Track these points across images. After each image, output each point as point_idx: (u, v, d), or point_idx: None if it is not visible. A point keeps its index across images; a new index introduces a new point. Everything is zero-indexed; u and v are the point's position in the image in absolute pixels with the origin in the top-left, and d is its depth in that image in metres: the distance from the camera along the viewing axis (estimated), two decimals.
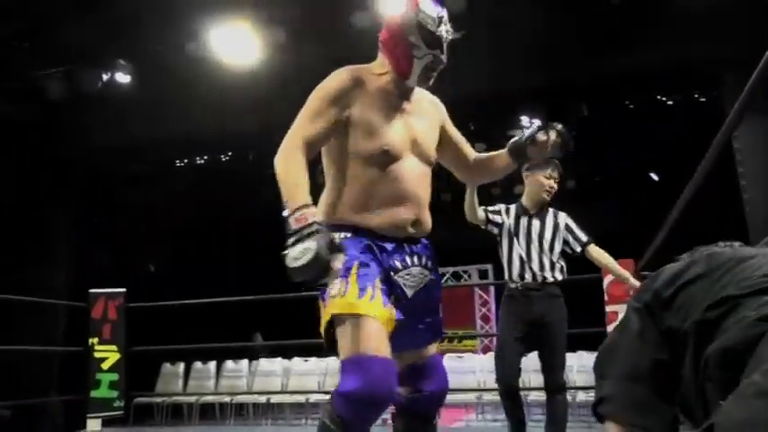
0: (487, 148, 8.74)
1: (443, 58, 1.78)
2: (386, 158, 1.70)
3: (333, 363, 6.69)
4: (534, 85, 6.42)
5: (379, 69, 1.81)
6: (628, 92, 7.57)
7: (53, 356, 6.68)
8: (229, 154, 8.88)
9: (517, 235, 3.32)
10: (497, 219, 3.38)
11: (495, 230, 3.40)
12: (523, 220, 3.33)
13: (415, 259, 1.77)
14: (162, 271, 8.88)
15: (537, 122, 1.82)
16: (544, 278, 3.22)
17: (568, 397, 5.25)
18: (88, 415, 5.22)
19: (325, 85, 1.75)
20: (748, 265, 0.97)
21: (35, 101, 6.46)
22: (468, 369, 6.19)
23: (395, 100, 1.79)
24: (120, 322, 5.44)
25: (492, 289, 9.36)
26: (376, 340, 1.56)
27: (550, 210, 3.37)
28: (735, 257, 1.01)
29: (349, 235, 1.69)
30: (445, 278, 9.79)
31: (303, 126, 1.70)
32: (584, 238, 3.29)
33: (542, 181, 3.32)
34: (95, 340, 5.33)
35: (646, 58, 5.83)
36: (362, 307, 1.57)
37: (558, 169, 3.37)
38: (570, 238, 3.30)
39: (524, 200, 3.41)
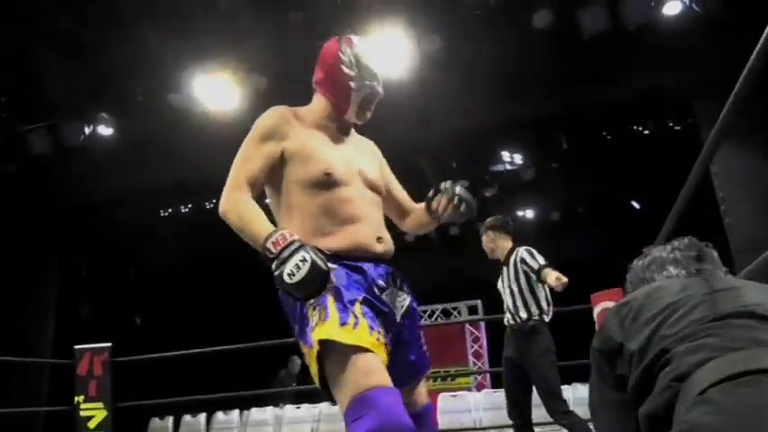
0: (470, 184, 8.82)
1: (380, 89, 1.78)
2: (330, 182, 1.64)
3: (325, 408, 6.57)
4: (512, 120, 6.53)
5: (315, 108, 1.81)
6: (604, 123, 7.72)
7: (37, 417, 6.50)
8: (213, 201, 8.87)
9: (498, 285, 3.67)
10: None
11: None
12: (502, 270, 3.61)
13: (397, 281, 1.70)
14: (149, 322, 8.74)
15: (446, 184, 1.78)
16: (519, 317, 3.40)
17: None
18: None
19: (257, 125, 1.72)
20: (681, 310, 1.00)
21: (18, 155, 6.44)
22: (464, 408, 6.11)
23: (333, 132, 1.77)
24: (106, 378, 5.30)
25: (483, 325, 9.30)
26: (375, 372, 1.42)
27: (515, 251, 3.53)
28: (674, 300, 1.04)
29: None
30: (435, 316, 9.73)
31: (239, 169, 1.67)
32: (536, 265, 3.38)
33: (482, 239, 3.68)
34: (81, 398, 5.17)
35: (618, 90, 5.98)
36: (350, 336, 1.44)
37: (487, 225, 3.68)
38: (527, 269, 3.42)
39: None
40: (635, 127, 7.84)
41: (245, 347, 6.23)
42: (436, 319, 9.60)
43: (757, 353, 0.83)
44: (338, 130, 1.79)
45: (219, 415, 6.73)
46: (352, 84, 1.72)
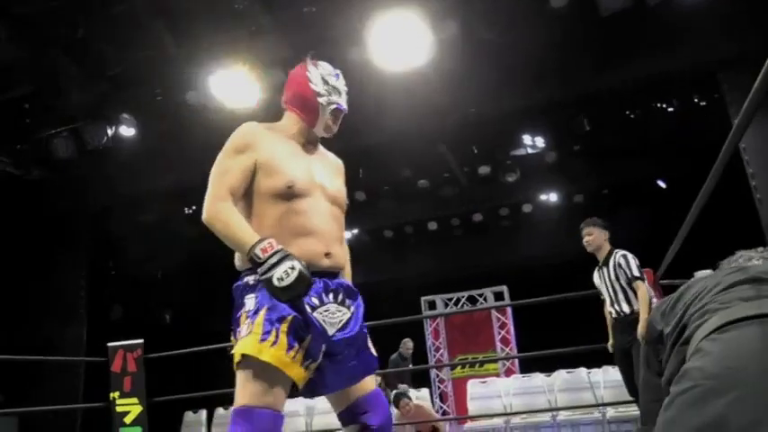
0: (491, 169, 8.77)
1: (344, 105, 1.93)
2: (291, 194, 1.75)
3: (320, 402, 6.60)
4: (533, 103, 6.45)
5: (284, 124, 1.94)
6: (627, 103, 7.59)
7: (75, 414, 6.64)
8: None
9: (595, 280, 4.09)
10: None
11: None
12: (601, 268, 4.02)
13: (331, 296, 1.77)
14: (177, 318, 8.86)
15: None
16: (623, 311, 3.81)
17: (598, 414, 5.17)
18: None
19: (231, 139, 1.84)
20: (704, 292, 1.06)
21: (43, 160, 6.56)
22: (494, 393, 6.10)
23: (301, 146, 1.90)
24: (140, 374, 5.39)
25: (509, 310, 9.26)
26: (273, 393, 1.59)
27: (613, 253, 3.96)
28: (703, 287, 1.09)
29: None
30: (461, 303, 9.71)
31: (220, 181, 1.76)
32: (630, 274, 3.82)
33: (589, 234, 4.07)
34: (116, 394, 5.28)
35: (641, 68, 5.87)
36: (265, 353, 1.59)
37: (596, 222, 4.06)
38: (623, 272, 3.86)
39: None
40: (659, 105, 7.69)
41: None
42: (462, 306, 9.58)
43: (743, 306, 0.87)
44: (306, 144, 1.91)
45: None
46: (320, 99, 1.87)
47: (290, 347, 1.61)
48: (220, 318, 9.33)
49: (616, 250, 3.94)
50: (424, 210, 9.68)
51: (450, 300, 9.78)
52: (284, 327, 1.62)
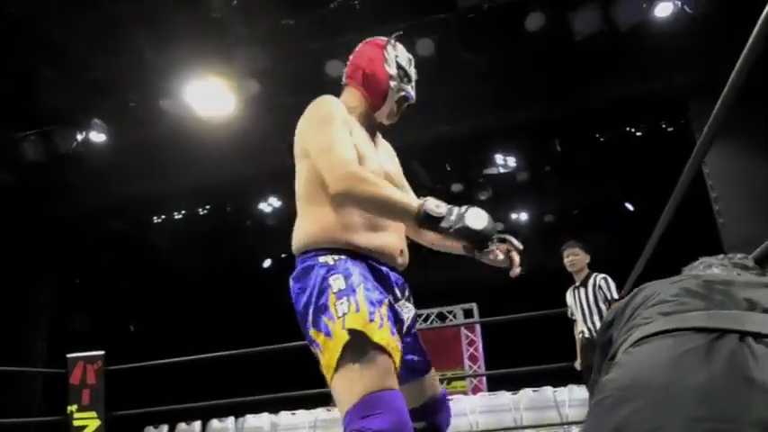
0: (464, 187, 8.83)
1: (413, 94, 1.81)
2: None
3: (322, 414, 6.55)
4: (506, 122, 6.54)
5: (350, 103, 1.76)
6: (597, 125, 7.74)
7: (30, 427, 6.44)
8: (207, 207, 8.84)
9: (569, 300, 4.23)
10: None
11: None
12: (578, 289, 4.18)
13: (405, 291, 1.73)
14: (143, 330, 8.69)
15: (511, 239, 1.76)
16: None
17: None
18: None
19: (331, 111, 1.65)
20: (648, 300, 1.05)
21: (11, 164, 6.40)
22: (460, 411, 6.09)
23: (367, 131, 1.77)
24: (100, 387, 5.25)
25: (478, 328, 9.29)
26: (391, 375, 1.42)
27: (592, 275, 4.13)
28: (647, 296, 1.08)
29: (344, 257, 1.55)
30: (430, 319, 9.71)
31: (340, 149, 1.55)
32: (609, 296, 3.97)
33: (564, 261, 4.21)
34: (74, 407, 5.13)
35: (611, 92, 5.99)
36: (377, 334, 1.43)
37: (579, 245, 4.21)
38: (602, 295, 4.02)
39: None
40: (628, 128, 7.85)
41: (240, 354, 6.20)
42: (432, 322, 9.58)
43: (661, 321, 0.87)
44: (369, 128, 1.78)
45: (215, 422, 6.69)
46: (392, 83, 1.74)
47: (392, 333, 1.48)
48: (187, 330, 9.27)
49: (596, 273, 4.11)
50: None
51: (420, 316, 9.79)
52: (383, 309, 1.49)
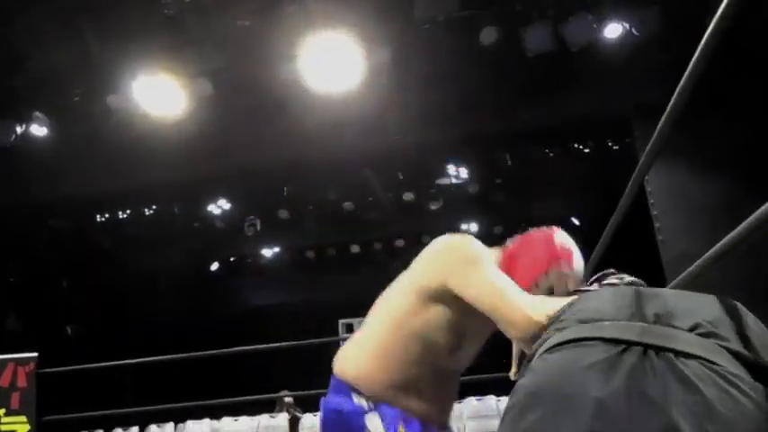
0: (416, 196, 8.84)
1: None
2: (454, 351, 1.54)
3: (264, 420, 6.45)
4: (458, 134, 6.61)
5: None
6: (547, 141, 7.92)
7: None
8: (153, 208, 8.62)
9: None
10: None
11: None
12: None
13: None
14: (80, 333, 8.38)
15: None
16: None
17: None
18: None
19: (480, 250, 1.54)
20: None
21: None
22: None
23: None
24: (31, 390, 5.03)
25: None
26: None
27: None
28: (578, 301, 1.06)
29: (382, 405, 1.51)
30: None
31: (514, 289, 1.43)
32: None
33: None
34: (2, 411, 4.90)
35: (561, 109, 6.14)
36: None
37: None
38: None
39: None
40: (576, 145, 8.06)
41: (182, 358, 6.05)
42: None
43: (576, 328, 0.88)
44: None
45: (153, 428, 6.49)
46: (540, 282, 1.55)
47: None
48: (128, 334, 8.96)
49: None
50: (348, 232, 9.67)
51: None
52: None
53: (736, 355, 0.80)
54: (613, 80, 5.66)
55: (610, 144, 7.86)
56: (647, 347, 0.80)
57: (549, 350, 0.91)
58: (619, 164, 7.24)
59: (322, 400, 1.62)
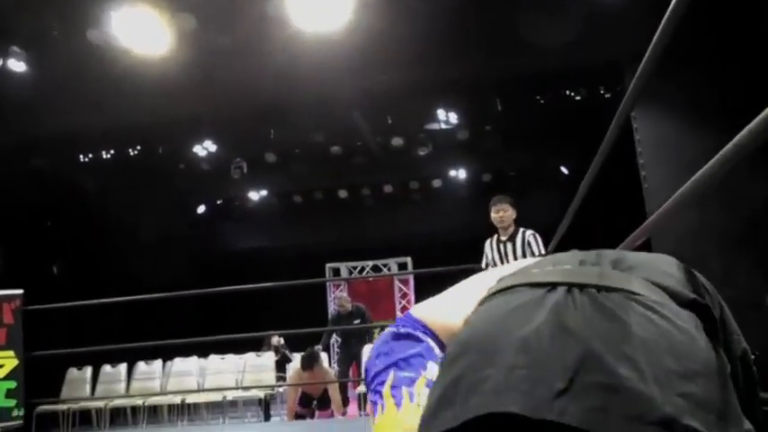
0: (404, 141, 8.74)
1: None
2: None
3: (251, 359, 6.57)
4: (449, 79, 6.51)
5: None
6: (538, 88, 7.83)
7: None
8: (138, 148, 8.50)
9: (492, 256, 4.28)
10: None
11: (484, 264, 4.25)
12: (505, 245, 4.19)
13: None
14: (66, 271, 8.39)
15: None
16: None
17: None
18: None
19: None
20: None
21: None
22: None
23: None
24: (18, 326, 5.08)
25: (411, 281, 9.45)
26: None
27: (519, 230, 4.18)
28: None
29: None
30: (365, 271, 9.81)
31: None
32: (537, 252, 3.99)
33: (492, 215, 4.19)
34: None
35: (554, 55, 6.04)
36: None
37: (509, 201, 4.21)
38: (530, 252, 4.05)
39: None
40: (567, 92, 7.98)
41: (169, 296, 6.10)
42: (366, 274, 9.68)
43: (508, 278, 0.89)
44: None
45: (141, 365, 6.60)
46: None
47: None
48: (114, 274, 8.96)
49: (523, 228, 4.16)
50: (335, 177, 9.63)
51: (355, 268, 9.87)
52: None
53: (663, 288, 0.82)
54: (606, 27, 5.56)
55: (602, 92, 7.79)
56: (571, 286, 0.82)
57: (480, 302, 0.92)
58: (610, 112, 7.20)
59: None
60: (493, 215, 4.21)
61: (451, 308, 1.56)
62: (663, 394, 0.65)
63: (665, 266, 0.88)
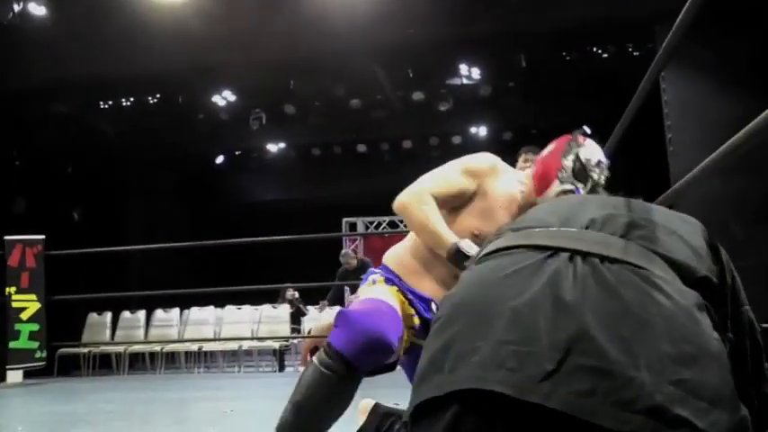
0: (425, 96, 8.65)
1: (582, 191, 1.68)
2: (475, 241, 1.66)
3: (267, 310, 6.66)
4: (472, 33, 6.34)
5: (522, 179, 1.82)
6: (564, 44, 7.60)
7: None
8: (157, 96, 8.47)
9: None
10: None
11: None
12: None
13: None
14: (87, 218, 8.50)
15: None
16: None
17: None
18: (8, 366, 5.00)
19: (465, 159, 1.80)
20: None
21: None
22: None
23: (513, 211, 1.76)
24: (40, 270, 5.18)
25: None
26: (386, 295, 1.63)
27: None
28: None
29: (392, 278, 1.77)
30: (382, 227, 9.83)
31: (434, 183, 1.75)
32: None
33: (519, 164, 4.15)
34: (13, 289, 5.06)
35: (579, 11, 5.85)
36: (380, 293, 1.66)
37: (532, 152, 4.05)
38: None
39: None
40: (594, 49, 7.75)
41: (188, 246, 6.17)
42: (383, 230, 9.69)
43: (507, 237, 0.84)
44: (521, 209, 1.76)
45: (159, 312, 6.73)
46: (561, 174, 1.66)
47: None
48: (133, 221, 9.07)
49: None
50: (354, 130, 9.54)
51: (372, 223, 9.87)
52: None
53: (671, 262, 0.76)
54: None
55: (630, 49, 7.54)
56: (574, 253, 0.76)
57: (478, 260, 0.87)
58: (638, 71, 7.00)
59: None
60: (520, 164, 4.12)
61: (404, 252, 1.81)
62: (654, 382, 0.62)
63: (688, 233, 0.83)
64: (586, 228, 0.80)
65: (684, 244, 0.80)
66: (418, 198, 1.71)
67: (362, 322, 1.46)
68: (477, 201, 1.75)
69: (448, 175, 1.76)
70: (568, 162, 1.63)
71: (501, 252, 0.81)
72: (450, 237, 1.64)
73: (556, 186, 1.62)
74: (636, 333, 0.67)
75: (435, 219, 1.68)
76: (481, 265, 0.82)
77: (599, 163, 1.66)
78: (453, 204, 1.76)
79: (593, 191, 1.56)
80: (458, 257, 1.58)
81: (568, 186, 1.60)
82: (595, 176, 1.63)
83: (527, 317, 0.70)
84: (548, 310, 0.69)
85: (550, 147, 1.74)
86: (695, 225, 0.87)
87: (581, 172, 1.61)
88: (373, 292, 1.65)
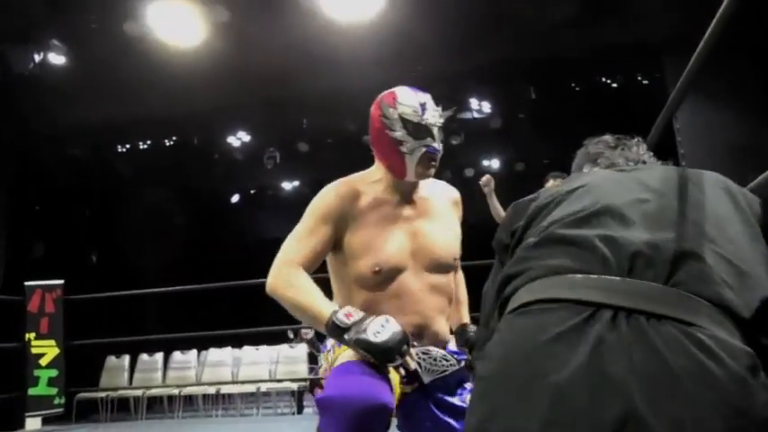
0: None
1: (437, 145, 1.65)
2: (380, 278, 1.57)
3: (284, 350, 6.62)
4: (481, 67, 6.41)
5: (375, 176, 1.72)
6: (573, 75, 7.66)
7: None
8: (174, 138, 8.61)
9: None
10: None
11: None
12: None
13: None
14: (104, 261, 8.57)
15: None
16: None
17: None
18: (27, 414, 4.99)
19: (316, 204, 1.64)
20: (551, 205, 0.95)
21: None
22: None
23: (394, 207, 1.67)
24: (59, 315, 5.20)
25: None
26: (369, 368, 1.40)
27: None
28: (553, 195, 0.98)
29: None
30: None
31: (293, 247, 1.60)
32: None
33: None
34: (32, 335, 5.08)
35: (587, 42, 5.90)
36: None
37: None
38: None
39: None
40: (603, 79, 7.79)
41: (204, 288, 6.18)
42: None
43: (546, 283, 0.79)
44: (400, 200, 1.69)
45: (177, 354, 6.71)
46: (403, 148, 1.62)
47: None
48: (150, 262, 9.11)
49: None
50: (367, 166, 9.58)
51: None
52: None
53: (718, 304, 0.72)
54: (643, 12, 5.40)
55: (639, 78, 7.58)
56: (618, 310, 0.72)
57: (516, 311, 0.81)
58: (647, 99, 7.01)
59: None
60: (550, 183, 4.17)
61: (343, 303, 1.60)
62: None
63: (745, 251, 0.78)
64: (630, 269, 0.75)
65: (731, 267, 0.76)
66: (285, 278, 1.55)
67: (348, 400, 1.29)
68: (344, 251, 1.62)
69: (310, 230, 1.60)
70: (398, 132, 1.61)
71: (538, 304, 0.77)
72: (325, 310, 1.46)
73: (409, 161, 1.63)
74: (686, 410, 0.64)
75: (306, 298, 1.50)
76: (518, 320, 0.78)
77: (422, 105, 1.65)
78: (329, 262, 1.66)
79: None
80: (336, 333, 1.42)
81: None
82: (429, 119, 1.61)
83: (572, 395, 0.67)
84: (593, 387, 0.67)
85: (371, 127, 1.73)
86: (761, 247, 0.82)
87: (417, 129, 1.62)
88: (339, 359, 1.49)
